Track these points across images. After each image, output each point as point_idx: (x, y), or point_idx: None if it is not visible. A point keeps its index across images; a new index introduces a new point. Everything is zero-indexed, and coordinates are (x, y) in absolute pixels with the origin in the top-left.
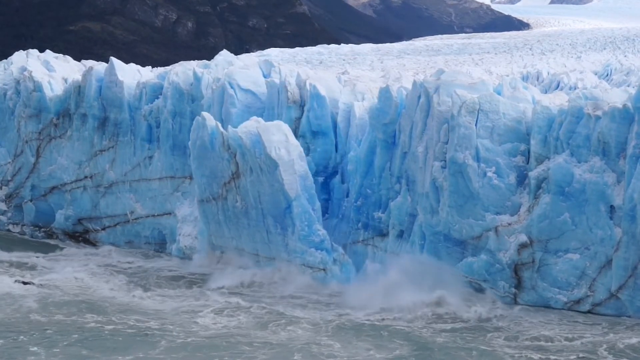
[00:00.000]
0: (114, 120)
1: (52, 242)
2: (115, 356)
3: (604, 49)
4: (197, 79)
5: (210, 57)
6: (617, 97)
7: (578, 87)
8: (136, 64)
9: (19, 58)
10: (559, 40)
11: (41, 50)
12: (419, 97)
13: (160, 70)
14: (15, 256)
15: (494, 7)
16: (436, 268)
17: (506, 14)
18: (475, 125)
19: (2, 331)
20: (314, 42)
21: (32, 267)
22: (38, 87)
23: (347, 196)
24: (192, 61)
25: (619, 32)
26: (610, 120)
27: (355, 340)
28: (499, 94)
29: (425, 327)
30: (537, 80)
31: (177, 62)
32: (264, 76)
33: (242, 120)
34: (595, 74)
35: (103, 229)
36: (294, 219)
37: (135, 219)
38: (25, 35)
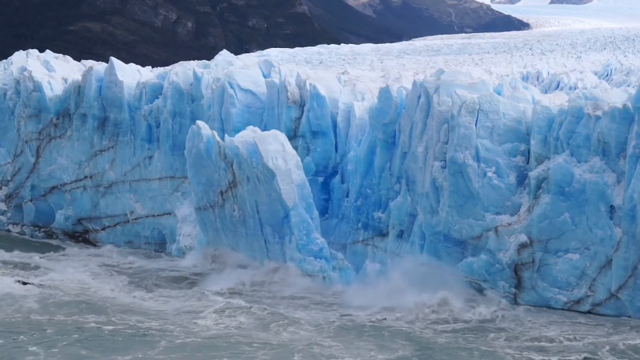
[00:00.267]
0: (114, 120)
1: (52, 242)
2: (114, 356)
3: (604, 49)
4: (197, 79)
5: (210, 57)
6: (617, 97)
7: (578, 87)
8: (136, 64)
9: (19, 58)
10: (559, 40)
11: (41, 50)
12: (419, 97)
13: (160, 70)
14: (15, 256)
15: (494, 7)
16: (436, 268)
17: (506, 14)
18: (475, 125)
19: (2, 331)
20: (313, 42)
21: (32, 267)
22: (38, 87)
23: (347, 196)
24: (192, 61)
25: (619, 32)
26: (610, 120)
27: (357, 340)
28: (499, 94)
29: (426, 328)
30: (537, 80)
31: (177, 62)
32: (264, 76)
33: (242, 120)
34: (595, 74)
35: (103, 229)
36: (292, 228)
37: (135, 219)
38: (25, 35)
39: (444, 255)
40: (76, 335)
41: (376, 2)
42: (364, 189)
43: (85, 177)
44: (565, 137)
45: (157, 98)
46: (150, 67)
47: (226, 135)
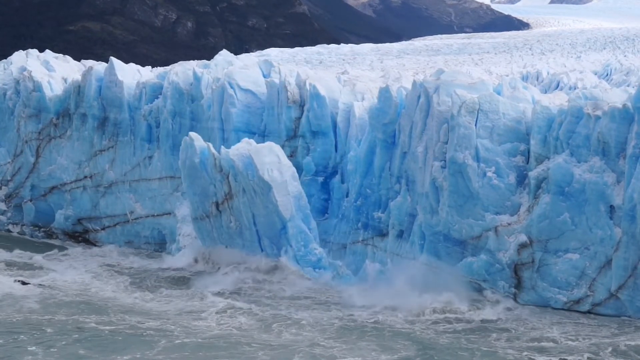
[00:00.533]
0: (114, 120)
1: (52, 242)
2: (114, 356)
3: (604, 48)
4: (197, 79)
5: (210, 57)
6: (617, 97)
7: (578, 87)
8: (136, 64)
9: (19, 58)
10: (559, 40)
11: (41, 50)
12: (419, 97)
13: (160, 70)
14: (15, 256)
15: (494, 7)
16: (436, 268)
17: (506, 13)
18: (475, 125)
19: (2, 331)
20: (313, 42)
21: (32, 267)
22: (38, 87)
23: (347, 196)
24: (191, 61)
25: (619, 32)
26: (610, 120)
27: (358, 341)
28: (498, 94)
29: (427, 328)
30: (537, 80)
31: (176, 62)
32: (264, 76)
33: (242, 120)
34: (595, 74)
35: (103, 228)
36: (289, 240)
37: (135, 218)
38: (25, 35)
39: (444, 255)
40: (76, 335)
41: (376, 2)
42: (364, 189)
43: (85, 177)
44: (565, 137)
45: (157, 98)
46: (150, 67)
47: (222, 147)
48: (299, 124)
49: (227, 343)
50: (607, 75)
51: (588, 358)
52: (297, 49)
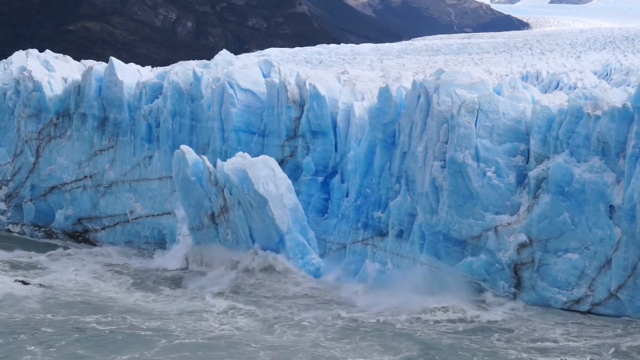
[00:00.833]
0: (114, 120)
1: (52, 242)
2: (114, 356)
3: (604, 48)
4: (197, 78)
5: (210, 57)
6: (616, 97)
7: (578, 87)
8: (136, 63)
9: (19, 58)
10: (559, 40)
11: (41, 50)
12: (419, 97)
13: (160, 70)
14: (15, 256)
15: (494, 6)
16: (436, 268)
17: (506, 13)
18: (475, 125)
19: (2, 331)
20: (313, 42)
21: (32, 267)
22: (38, 87)
23: (347, 196)
24: (191, 61)
25: (619, 32)
26: (610, 120)
27: (360, 341)
28: (498, 93)
29: (429, 328)
30: (537, 80)
31: (176, 62)
32: (264, 76)
33: (242, 119)
34: (595, 74)
35: (103, 228)
36: (287, 252)
37: (135, 218)
38: (25, 35)
39: (444, 255)
40: (76, 335)
41: (376, 2)
42: (364, 189)
43: (85, 176)
44: (564, 137)
45: (157, 98)
46: (150, 67)
47: (218, 160)
48: (299, 123)
49: (227, 343)
50: (606, 75)
51: (590, 359)
52: (297, 49)
